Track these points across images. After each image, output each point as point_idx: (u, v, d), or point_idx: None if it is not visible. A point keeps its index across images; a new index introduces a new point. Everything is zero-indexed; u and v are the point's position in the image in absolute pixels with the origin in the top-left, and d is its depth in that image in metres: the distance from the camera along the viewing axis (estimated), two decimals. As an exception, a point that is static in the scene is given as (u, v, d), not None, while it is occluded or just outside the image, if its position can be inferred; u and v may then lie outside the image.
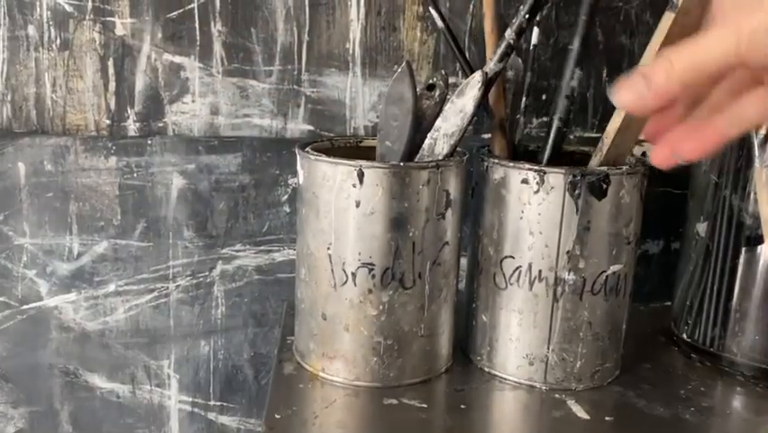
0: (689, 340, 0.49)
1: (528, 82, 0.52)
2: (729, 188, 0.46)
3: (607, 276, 0.42)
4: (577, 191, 0.40)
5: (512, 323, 0.43)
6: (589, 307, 0.42)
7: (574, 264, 0.41)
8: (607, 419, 0.40)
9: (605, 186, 0.40)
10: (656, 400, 0.42)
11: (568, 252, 0.41)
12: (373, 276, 0.41)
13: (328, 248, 0.42)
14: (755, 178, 0.44)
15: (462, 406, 0.41)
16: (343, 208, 0.41)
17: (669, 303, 0.54)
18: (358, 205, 0.40)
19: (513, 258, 0.43)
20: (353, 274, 0.41)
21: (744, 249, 0.46)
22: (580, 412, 0.41)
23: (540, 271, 0.42)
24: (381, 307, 0.41)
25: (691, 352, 0.49)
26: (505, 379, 0.44)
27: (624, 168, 0.41)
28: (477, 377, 0.45)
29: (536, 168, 0.41)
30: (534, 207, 0.41)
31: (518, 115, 0.55)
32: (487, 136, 0.56)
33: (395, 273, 0.41)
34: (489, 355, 0.45)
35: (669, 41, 0.39)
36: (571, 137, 0.59)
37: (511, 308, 0.43)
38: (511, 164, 0.42)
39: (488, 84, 0.42)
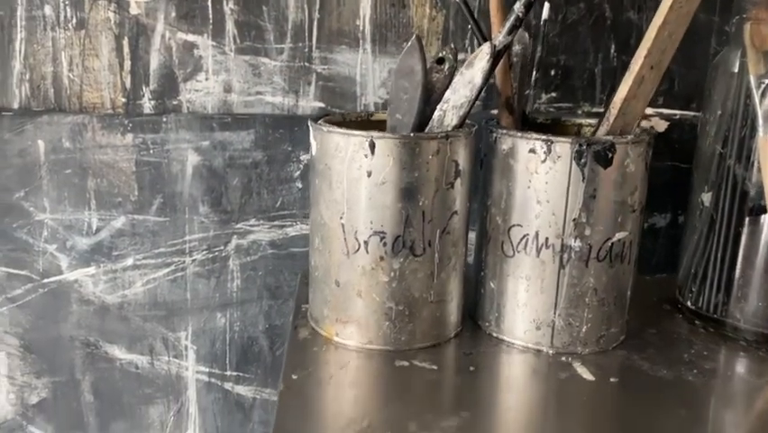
0: (693, 307, 0.51)
1: (538, 57, 0.53)
2: (733, 157, 0.47)
3: (612, 243, 0.43)
4: (583, 160, 0.41)
5: (519, 289, 0.45)
6: (595, 273, 0.43)
7: (580, 232, 0.42)
8: (612, 380, 0.42)
9: (610, 155, 0.41)
10: (660, 364, 0.44)
11: (574, 219, 0.42)
12: (384, 244, 0.42)
13: (341, 217, 0.43)
14: (759, 148, 0.45)
15: (471, 368, 0.43)
16: (355, 179, 0.42)
17: (675, 274, 0.55)
18: (369, 175, 0.41)
19: (521, 226, 0.44)
20: (365, 242, 0.42)
21: (747, 218, 0.47)
22: (586, 374, 0.42)
23: (547, 239, 0.43)
24: (392, 273, 0.43)
25: (695, 319, 0.50)
26: (512, 343, 0.46)
27: (629, 137, 0.42)
28: (485, 342, 0.46)
29: (544, 137, 0.42)
30: (541, 176, 0.42)
31: (527, 91, 0.56)
32: (495, 112, 0.57)
33: (405, 241, 0.42)
34: (497, 321, 0.47)
35: (671, 17, 0.40)
36: (579, 112, 0.59)
37: (519, 274, 0.44)
38: (519, 134, 0.43)
39: (496, 56, 0.43)
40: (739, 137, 0.46)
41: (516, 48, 0.48)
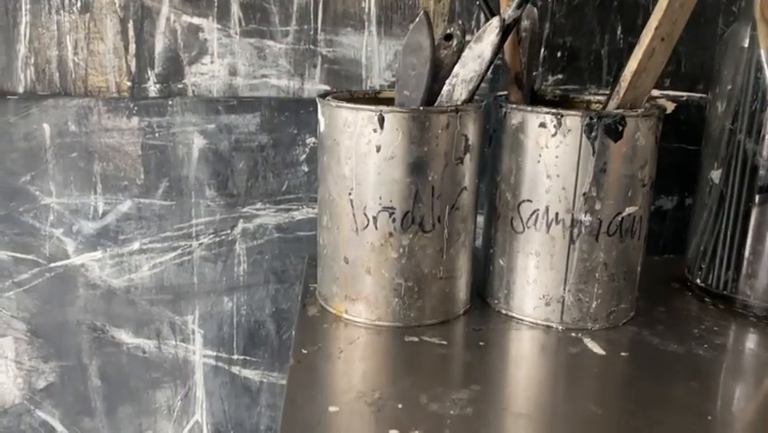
0: (702, 285, 0.50)
1: (545, 36, 0.53)
2: (744, 132, 0.46)
3: (622, 218, 0.43)
4: (593, 133, 0.41)
5: (529, 265, 0.44)
6: (605, 248, 0.43)
7: (590, 206, 0.42)
8: (622, 354, 0.42)
9: (621, 128, 0.41)
10: (670, 339, 0.44)
11: (584, 194, 0.42)
12: (394, 220, 0.42)
13: (349, 193, 0.43)
14: (769, 122, 0.45)
15: (481, 343, 0.42)
16: (364, 154, 0.42)
17: (683, 255, 0.54)
18: (378, 150, 0.41)
19: (530, 202, 0.43)
20: (374, 218, 0.42)
21: (757, 195, 0.46)
22: (596, 349, 0.42)
23: (557, 214, 0.43)
24: (402, 250, 0.43)
25: (705, 296, 0.50)
26: (522, 320, 0.45)
27: (639, 110, 0.42)
28: (494, 319, 0.46)
29: (554, 111, 0.42)
30: (551, 151, 0.42)
31: (536, 70, 0.55)
32: (502, 93, 0.57)
33: (414, 217, 0.42)
34: (507, 298, 0.46)
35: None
36: (586, 93, 0.59)
37: (528, 250, 0.44)
38: (529, 108, 0.43)
39: (505, 30, 0.43)
40: (749, 111, 0.46)
41: (525, 23, 0.48)
